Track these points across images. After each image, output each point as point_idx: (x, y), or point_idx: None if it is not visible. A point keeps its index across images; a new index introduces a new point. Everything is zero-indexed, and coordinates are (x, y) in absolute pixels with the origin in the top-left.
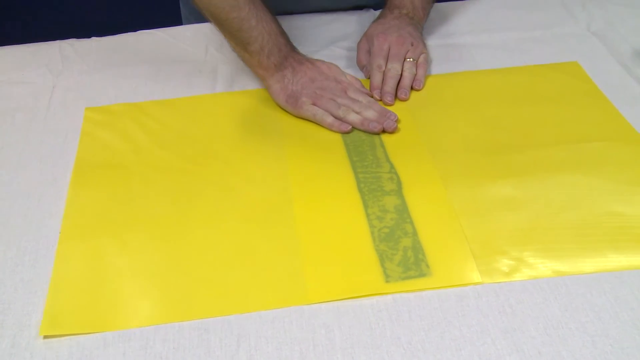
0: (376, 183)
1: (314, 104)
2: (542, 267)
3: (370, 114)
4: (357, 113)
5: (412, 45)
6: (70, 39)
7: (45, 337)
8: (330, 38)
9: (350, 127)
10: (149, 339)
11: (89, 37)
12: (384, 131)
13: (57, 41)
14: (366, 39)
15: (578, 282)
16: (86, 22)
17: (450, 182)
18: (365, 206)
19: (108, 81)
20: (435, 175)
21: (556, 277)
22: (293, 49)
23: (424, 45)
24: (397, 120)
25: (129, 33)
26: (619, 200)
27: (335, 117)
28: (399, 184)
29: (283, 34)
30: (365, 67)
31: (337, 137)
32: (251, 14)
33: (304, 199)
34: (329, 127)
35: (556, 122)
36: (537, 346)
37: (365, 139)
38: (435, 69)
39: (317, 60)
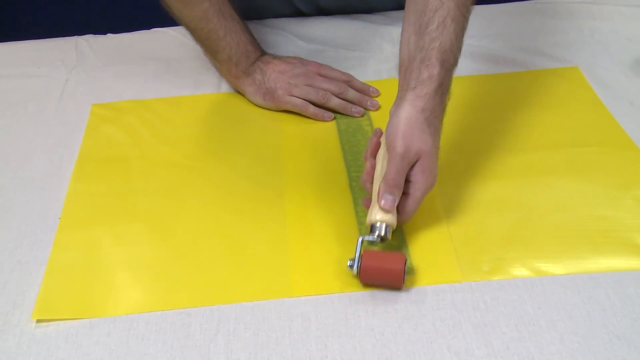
0: None
1: (292, 95)
2: (523, 267)
3: (351, 94)
4: (338, 95)
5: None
6: (87, 35)
7: (38, 320)
8: (336, 39)
9: (333, 115)
10: (132, 321)
11: (105, 33)
12: (364, 113)
13: (74, 37)
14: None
15: (554, 282)
16: (104, 19)
17: (440, 183)
18: (355, 204)
19: (118, 77)
20: None
21: (533, 277)
22: (261, 53)
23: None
24: (379, 94)
25: (143, 31)
26: (605, 204)
27: (316, 104)
28: None
29: (252, 42)
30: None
31: (334, 137)
32: (219, 25)
33: (295, 196)
34: (313, 117)
35: (551, 126)
36: (506, 342)
37: (361, 139)
38: None
39: (281, 56)
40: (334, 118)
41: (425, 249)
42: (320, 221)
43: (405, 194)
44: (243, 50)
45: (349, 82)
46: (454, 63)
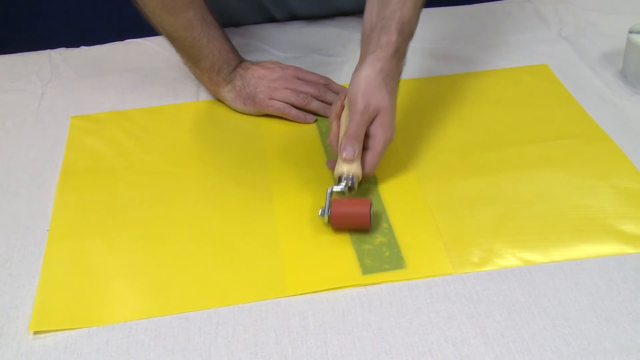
0: None
1: (272, 98)
2: (511, 257)
3: (330, 97)
4: (317, 98)
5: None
6: (60, 48)
7: (35, 332)
8: (311, 45)
9: (315, 117)
10: (131, 328)
11: (78, 46)
12: None
13: (47, 50)
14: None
15: (542, 270)
16: (75, 32)
17: (425, 180)
18: None
19: (95, 89)
20: (410, 174)
21: (522, 266)
22: (240, 60)
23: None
24: None
25: (116, 42)
26: (584, 194)
27: (297, 106)
28: (375, 182)
29: (232, 49)
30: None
31: (315, 139)
32: (203, 34)
33: (283, 198)
34: (295, 120)
35: (527, 121)
36: (500, 330)
37: None
38: (412, 73)
39: (259, 61)
40: (315, 121)
41: (415, 245)
42: (309, 221)
43: (367, 148)
44: (225, 58)
45: (327, 84)
46: (411, 35)
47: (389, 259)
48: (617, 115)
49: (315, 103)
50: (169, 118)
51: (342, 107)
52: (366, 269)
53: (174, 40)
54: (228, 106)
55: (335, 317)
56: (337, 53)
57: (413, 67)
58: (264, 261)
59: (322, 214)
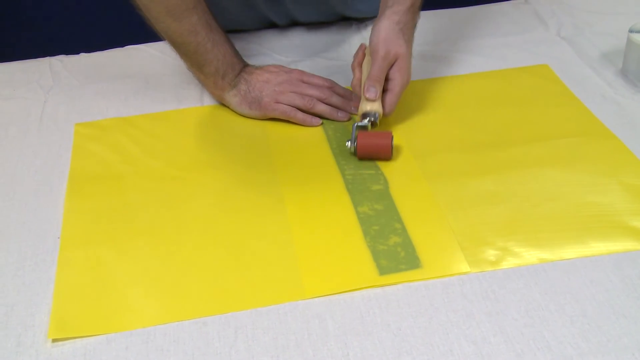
0: (363, 184)
1: (278, 102)
2: (526, 255)
3: (335, 99)
4: (323, 101)
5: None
6: (60, 55)
7: (54, 340)
8: (313, 49)
9: (321, 120)
10: (149, 334)
11: (78, 53)
12: (350, 118)
13: (47, 58)
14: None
15: (556, 268)
16: (73, 40)
17: (434, 180)
18: (355, 205)
19: (98, 95)
20: (420, 174)
21: (536, 264)
22: (244, 64)
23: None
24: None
25: (116, 49)
26: (593, 191)
27: (303, 110)
28: (385, 184)
29: (236, 53)
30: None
31: (323, 142)
32: (207, 38)
33: (295, 200)
34: (302, 123)
35: (531, 120)
36: (519, 328)
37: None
38: (414, 75)
39: (263, 65)
40: (322, 124)
41: (430, 245)
42: (323, 223)
43: (386, 90)
44: (229, 62)
45: (332, 87)
46: None
47: (404, 259)
48: (621, 114)
49: (321, 106)
50: (173, 123)
51: (363, 56)
52: (383, 270)
53: (178, 46)
54: (233, 110)
55: (354, 318)
56: (340, 56)
57: (414, 69)
58: (280, 264)
59: (349, 146)
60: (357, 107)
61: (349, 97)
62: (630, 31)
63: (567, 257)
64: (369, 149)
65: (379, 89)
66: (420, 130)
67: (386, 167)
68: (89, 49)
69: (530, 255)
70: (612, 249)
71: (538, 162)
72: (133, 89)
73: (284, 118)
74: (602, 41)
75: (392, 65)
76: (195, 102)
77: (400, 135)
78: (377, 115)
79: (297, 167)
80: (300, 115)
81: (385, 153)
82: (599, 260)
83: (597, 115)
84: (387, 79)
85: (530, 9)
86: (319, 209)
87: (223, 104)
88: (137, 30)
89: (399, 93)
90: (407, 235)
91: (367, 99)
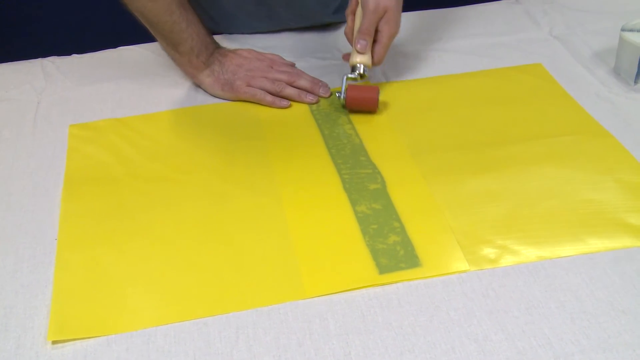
0: (361, 183)
1: (249, 85)
2: (525, 252)
3: (303, 82)
4: (291, 84)
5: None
6: (52, 57)
7: (54, 342)
8: (304, 49)
9: (289, 102)
10: (150, 335)
11: (70, 54)
12: (318, 101)
13: (39, 59)
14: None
15: (555, 265)
16: (64, 41)
17: (432, 179)
18: (353, 205)
19: (91, 96)
20: (417, 173)
21: (535, 261)
22: (217, 45)
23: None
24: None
25: (109, 49)
26: (590, 189)
27: (272, 93)
28: (383, 183)
29: (209, 34)
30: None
31: (319, 141)
32: (182, 17)
33: (293, 201)
34: (270, 105)
35: (526, 119)
36: (520, 325)
37: (347, 143)
38: (410, 75)
39: (237, 49)
40: (290, 105)
41: (429, 243)
42: (321, 223)
43: (375, 41)
44: (203, 41)
45: (300, 73)
46: None
47: (404, 258)
48: (615, 112)
49: (289, 89)
50: (168, 124)
51: (357, 4)
52: (382, 269)
53: (153, 25)
54: (205, 90)
55: (355, 317)
56: (332, 56)
57: (409, 69)
58: (280, 263)
59: (339, 97)
60: (325, 90)
61: (316, 82)
62: (623, 30)
63: (565, 254)
64: (357, 101)
65: (369, 42)
66: (417, 129)
67: (383, 167)
68: (81, 50)
69: (529, 253)
70: (609, 246)
71: (535, 160)
72: (127, 90)
73: (253, 101)
74: (594, 40)
75: (381, 19)
76: (189, 102)
77: (397, 134)
78: (366, 68)
79: (293, 167)
80: (269, 98)
81: (372, 106)
82: (597, 257)
83: (592, 113)
84: (376, 31)
85: (522, 8)
86: (317, 209)
87: (196, 83)
88: (130, 31)
89: (387, 44)
90: (405, 234)
91: (358, 51)
